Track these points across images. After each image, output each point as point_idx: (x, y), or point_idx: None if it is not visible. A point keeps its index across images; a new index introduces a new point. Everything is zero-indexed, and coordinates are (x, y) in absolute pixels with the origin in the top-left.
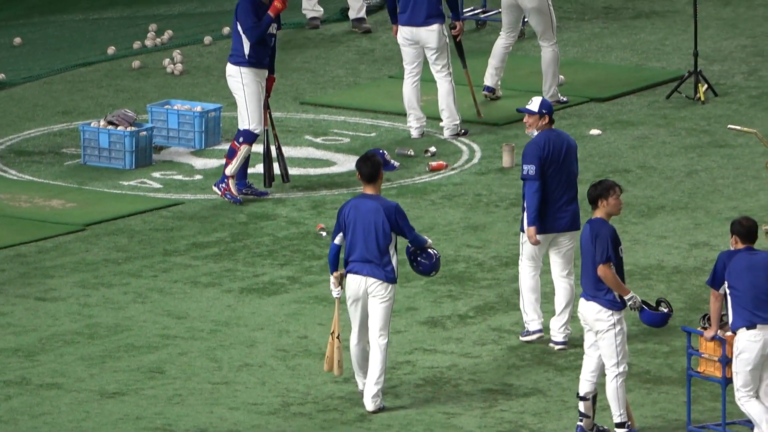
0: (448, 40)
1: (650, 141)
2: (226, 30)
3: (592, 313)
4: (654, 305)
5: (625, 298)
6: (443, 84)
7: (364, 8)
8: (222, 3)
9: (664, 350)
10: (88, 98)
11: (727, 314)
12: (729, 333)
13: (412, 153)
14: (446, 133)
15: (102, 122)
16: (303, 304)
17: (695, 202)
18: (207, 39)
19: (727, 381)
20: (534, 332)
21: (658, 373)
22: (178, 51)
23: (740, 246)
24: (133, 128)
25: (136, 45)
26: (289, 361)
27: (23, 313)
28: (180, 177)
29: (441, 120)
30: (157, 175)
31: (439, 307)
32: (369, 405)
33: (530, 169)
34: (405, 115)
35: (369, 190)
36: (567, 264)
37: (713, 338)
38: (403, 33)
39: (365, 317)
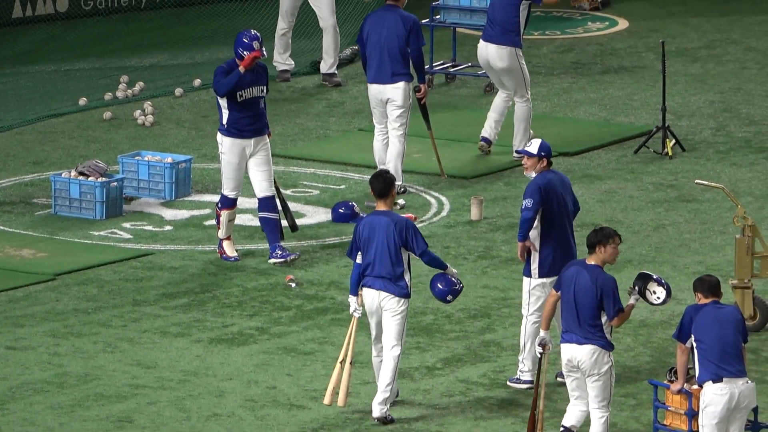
0: (411, 102)
1: (618, 195)
2: (197, 82)
3: (588, 356)
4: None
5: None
6: (396, 143)
7: (337, 63)
8: (193, 56)
9: (630, 403)
10: (60, 149)
11: (694, 368)
12: (695, 386)
13: None
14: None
15: (73, 173)
16: (272, 354)
17: (662, 257)
18: (178, 91)
19: None
20: (525, 382)
21: (624, 426)
22: (149, 102)
23: (704, 301)
24: (103, 179)
25: (108, 96)
26: (258, 412)
27: None
28: (150, 228)
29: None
30: (127, 225)
31: (407, 358)
32: (375, 411)
33: (528, 202)
34: (375, 168)
35: (381, 206)
36: None
37: (680, 391)
38: (372, 90)
39: (380, 332)
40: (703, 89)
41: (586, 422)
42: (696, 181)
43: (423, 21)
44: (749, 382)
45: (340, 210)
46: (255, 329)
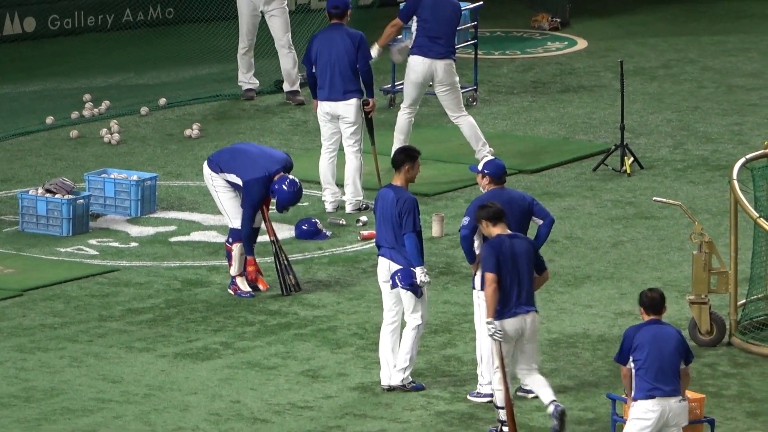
0: (362, 117)
1: (577, 212)
2: (163, 101)
3: (532, 322)
4: None
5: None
6: (352, 159)
7: (299, 81)
8: (159, 75)
9: (589, 417)
10: (27, 167)
11: None
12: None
13: (344, 222)
14: (348, 208)
15: (40, 190)
16: (236, 369)
17: (620, 273)
18: (144, 110)
19: None
20: (485, 395)
21: None
22: (115, 121)
23: (646, 317)
24: (70, 196)
25: (74, 115)
26: (222, 425)
27: None
28: (116, 244)
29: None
30: (93, 242)
31: (369, 373)
32: (394, 379)
33: (464, 220)
34: (340, 185)
35: (395, 181)
36: None
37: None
38: (323, 108)
39: (394, 300)
40: (660, 108)
41: (578, 421)
42: (654, 198)
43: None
44: (682, 401)
45: (303, 227)
46: (219, 344)
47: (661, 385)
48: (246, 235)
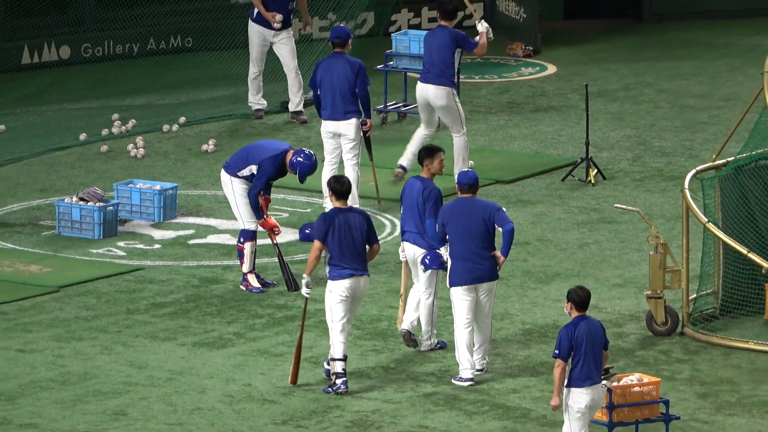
0: (361, 135)
1: (547, 217)
2: (182, 120)
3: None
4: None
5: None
6: (351, 172)
7: (303, 102)
8: (179, 96)
9: None
10: (63, 178)
11: (613, 366)
12: (615, 383)
13: None
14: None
15: (74, 198)
16: (247, 356)
17: (586, 271)
18: (165, 127)
19: (613, 425)
20: (466, 380)
21: (553, 417)
22: (140, 137)
23: (575, 313)
24: (101, 204)
25: (104, 132)
26: (235, 405)
27: (5, 363)
28: (141, 246)
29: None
30: (121, 244)
31: (365, 359)
32: (424, 346)
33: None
34: None
35: (423, 174)
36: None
37: (557, 406)
38: (326, 126)
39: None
40: (621, 125)
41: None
42: (615, 205)
43: (378, 66)
44: (604, 386)
45: (306, 231)
46: (233, 334)
47: (594, 375)
48: (254, 204)
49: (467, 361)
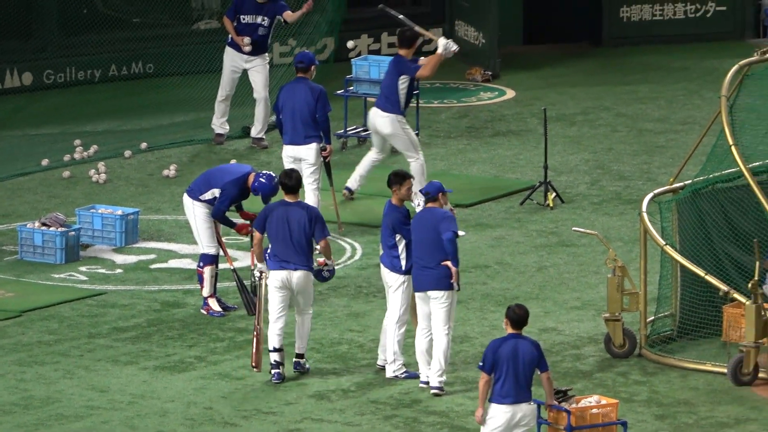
0: (321, 159)
1: (506, 241)
2: (144, 145)
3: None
4: None
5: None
6: (310, 196)
7: (265, 129)
8: (140, 122)
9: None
10: (25, 203)
11: (571, 389)
12: (573, 405)
13: None
14: None
15: (37, 224)
16: (208, 380)
17: (545, 294)
18: (127, 153)
19: None
20: (435, 388)
21: None
22: (102, 163)
23: (510, 330)
24: (63, 229)
25: (67, 158)
26: (197, 429)
27: None
28: (103, 271)
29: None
30: (83, 269)
31: (325, 382)
32: (388, 372)
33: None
34: None
35: (392, 200)
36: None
37: (481, 417)
38: (287, 151)
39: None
40: (579, 149)
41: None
42: (573, 228)
43: (338, 92)
44: (531, 404)
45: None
46: (194, 358)
47: (513, 393)
48: (221, 219)
49: (423, 364)
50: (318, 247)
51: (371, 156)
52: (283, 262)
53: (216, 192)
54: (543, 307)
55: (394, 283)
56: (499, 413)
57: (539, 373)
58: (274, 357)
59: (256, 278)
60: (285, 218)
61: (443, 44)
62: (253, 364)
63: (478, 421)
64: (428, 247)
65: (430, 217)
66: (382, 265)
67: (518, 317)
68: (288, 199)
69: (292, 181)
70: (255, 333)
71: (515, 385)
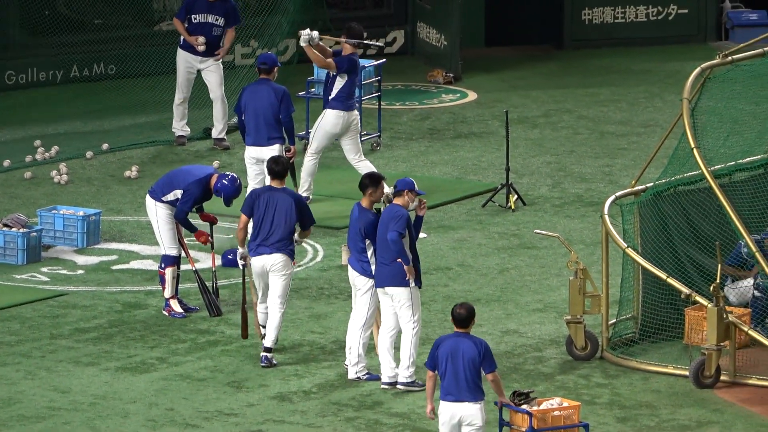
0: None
1: (468, 243)
2: (105, 146)
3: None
4: None
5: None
6: None
7: (226, 129)
8: (102, 123)
9: None
10: None
11: (533, 391)
12: (535, 407)
13: None
14: None
15: None
16: (170, 381)
17: (506, 296)
18: (89, 154)
19: None
20: (373, 377)
21: None
22: (63, 164)
23: (456, 329)
24: (24, 230)
25: (28, 158)
26: (158, 430)
27: None
28: (65, 272)
29: None
30: (45, 270)
31: (287, 383)
32: (351, 374)
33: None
34: None
35: (363, 202)
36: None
37: (431, 413)
38: (250, 152)
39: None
40: (541, 152)
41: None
42: (535, 230)
43: (300, 93)
44: (476, 404)
45: (229, 256)
46: (155, 359)
47: (453, 391)
48: (183, 221)
49: (386, 363)
50: (297, 236)
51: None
52: (261, 247)
53: (178, 193)
54: (505, 309)
55: (362, 287)
56: (442, 410)
57: (484, 374)
58: (265, 345)
59: (240, 264)
60: (272, 204)
61: (308, 35)
62: (244, 336)
63: (429, 417)
64: (383, 243)
65: (386, 214)
66: (350, 268)
67: (459, 316)
68: (274, 184)
69: (279, 166)
70: (242, 308)
71: (455, 384)
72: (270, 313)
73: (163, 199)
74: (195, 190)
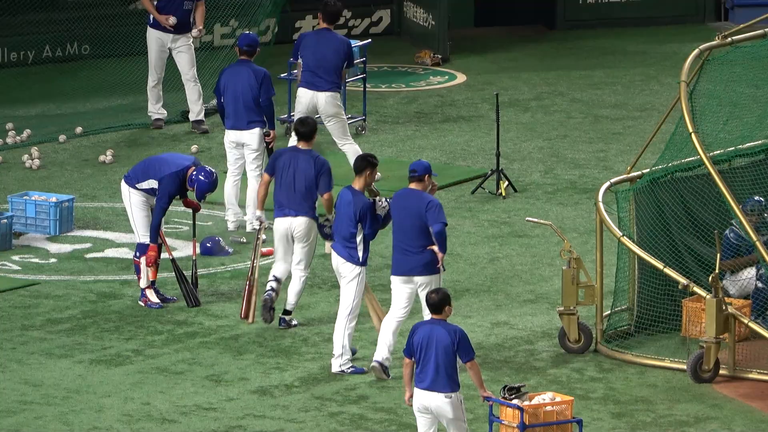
0: (264, 145)
1: (457, 231)
2: (79, 129)
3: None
4: None
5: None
6: (253, 183)
7: (203, 112)
8: (75, 106)
9: (469, 417)
10: None
11: (524, 385)
12: (527, 402)
13: (244, 240)
14: (248, 227)
15: None
16: (146, 374)
17: (497, 286)
18: (62, 137)
19: None
20: (357, 370)
21: None
22: (35, 148)
23: (431, 316)
24: None
25: None
26: (134, 425)
27: None
28: (37, 260)
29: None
30: (16, 258)
31: (268, 377)
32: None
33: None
34: (242, 207)
35: (355, 184)
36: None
37: (409, 399)
38: (229, 136)
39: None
40: (533, 136)
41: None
42: (527, 218)
43: (281, 75)
44: (447, 397)
45: (208, 244)
46: (131, 351)
47: (425, 378)
48: (155, 225)
49: (385, 344)
50: (321, 198)
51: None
52: (285, 209)
53: (153, 183)
54: (495, 300)
55: (348, 274)
56: (417, 396)
57: (462, 363)
58: (271, 284)
59: (256, 226)
60: (292, 165)
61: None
62: (243, 315)
63: (407, 404)
64: (412, 232)
65: (415, 201)
66: (334, 255)
67: (433, 302)
68: (300, 146)
69: (305, 127)
70: (247, 284)
71: (429, 372)
72: (293, 277)
73: (137, 186)
74: (170, 185)
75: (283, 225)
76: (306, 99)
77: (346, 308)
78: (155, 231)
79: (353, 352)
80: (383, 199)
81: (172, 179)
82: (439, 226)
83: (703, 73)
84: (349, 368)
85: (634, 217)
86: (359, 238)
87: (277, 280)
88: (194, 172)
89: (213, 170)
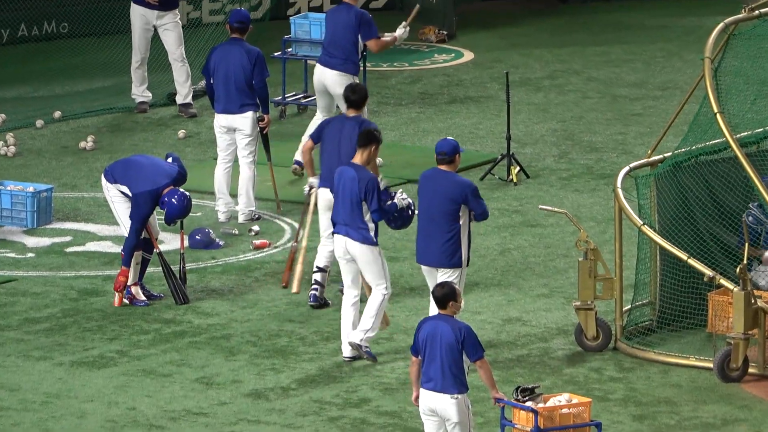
0: (258, 130)
1: None
2: (57, 114)
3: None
4: None
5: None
6: (245, 170)
7: (191, 94)
8: (53, 88)
9: (479, 421)
10: None
11: (539, 386)
12: (541, 404)
13: (237, 232)
14: (241, 218)
15: None
16: (131, 376)
17: (508, 280)
18: (39, 122)
19: None
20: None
21: None
22: (11, 134)
23: (438, 311)
24: None
25: None
26: None
27: None
28: (13, 255)
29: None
30: None
31: (262, 379)
32: (355, 336)
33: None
34: (233, 196)
35: (356, 159)
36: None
37: (416, 399)
38: (220, 120)
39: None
40: (546, 118)
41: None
42: (540, 206)
43: (275, 54)
44: (452, 398)
45: (197, 237)
46: (115, 352)
47: (434, 378)
48: (130, 246)
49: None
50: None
51: (318, 120)
52: (331, 180)
53: (129, 192)
54: (506, 295)
55: (368, 256)
56: (422, 396)
57: (471, 362)
58: (316, 277)
59: (306, 191)
60: (338, 133)
61: (402, 33)
62: (284, 283)
63: (414, 404)
64: (441, 217)
65: (447, 184)
66: (348, 240)
67: (437, 296)
68: (349, 113)
69: (355, 95)
70: (291, 251)
71: (436, 371)
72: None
73: (114, 185)
74: (144, 206)
75: (328, 196)
76: (316, 76)
77: (380, 288)
78: (129, 253)
79: (374, 359)
80: (402, 192)
81: (145, 199)
82: (483, 209)
83: (728, 48)
84: (366, 347)
85: (655, 205)
86: (368, 217)
87: (321, 270)
88: (167, 193)
89: (187, 194)
